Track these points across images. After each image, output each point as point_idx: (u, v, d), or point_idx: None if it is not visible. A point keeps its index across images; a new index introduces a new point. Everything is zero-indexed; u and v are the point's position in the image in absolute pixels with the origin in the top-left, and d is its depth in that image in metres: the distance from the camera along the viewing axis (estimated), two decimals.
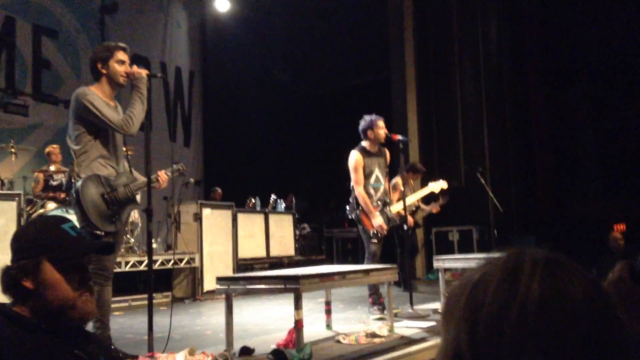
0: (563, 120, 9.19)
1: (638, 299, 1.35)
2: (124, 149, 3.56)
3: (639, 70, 8.23)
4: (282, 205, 9.06)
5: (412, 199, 5.97)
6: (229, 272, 7.07)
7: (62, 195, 5.98)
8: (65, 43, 8.70)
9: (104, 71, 3.38)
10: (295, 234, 8.78)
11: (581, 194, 8.84)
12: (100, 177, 3.30)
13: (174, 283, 7.04)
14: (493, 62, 9.49)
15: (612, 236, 6.73)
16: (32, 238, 1.36)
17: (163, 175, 3.57)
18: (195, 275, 6.89)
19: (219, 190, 9.15)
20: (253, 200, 8.62)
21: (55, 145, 6.60)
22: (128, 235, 6.32)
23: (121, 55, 3.40)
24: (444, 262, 5.57)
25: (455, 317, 0.64)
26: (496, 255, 0.69)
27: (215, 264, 7.06)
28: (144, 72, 3.42)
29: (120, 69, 3.38)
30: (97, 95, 3.33)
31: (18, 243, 1.37)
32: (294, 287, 3.19)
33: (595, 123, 8.97)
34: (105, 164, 3.34)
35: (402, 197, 5.52)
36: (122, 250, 5.97)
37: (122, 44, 3.47)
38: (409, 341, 3.77)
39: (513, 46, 9.63)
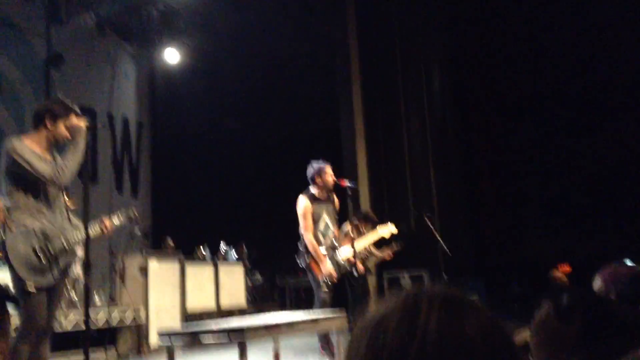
0: (508, 163, 9.48)
1: (564, 338, 1.38)
2: (66, 201, 3.47)
3: (583, 110, 8.58)
4: (233, 255, 8.92)
5: (362, 244, 5.99)
6: (176, 326, 6.85)
7: None
8: (8, 95, 8.52)
9: (49, 125, 3.31)
10: (246, 284, 8.63)
11: (526, 236, 9.06)
12: (32, 231, 3.20)
13: (117, 337, 6.74)
14: (437, 109, 9.81)
15: (554, 275, 6.88)
16: None
17: (107, 222, 3.49)
18: (140, 330, 6.65)
19: (170, 242, 8.90)
20: (202, 250, 8.46)
21: None
22: (71, 291, 6.08)
23: (75, 121, 3.35)
24: None
25: None
26: (394, 294, 0.69)
27: (162, 318, 6.83)
28: (82, 124, 3.37)
29: (66, 133, 3.33)
30: (28, 148, 3.25)
31: None
32: (239, 341, 3.12)
33: (539, 163, 9.28)
34: (40, 217, 3.24)
35: (352, 243, 5.54)
36: (63, 306, 5.72)
37: (78, 111, 3.43)
38: None
39: (456, 93, 9.99)
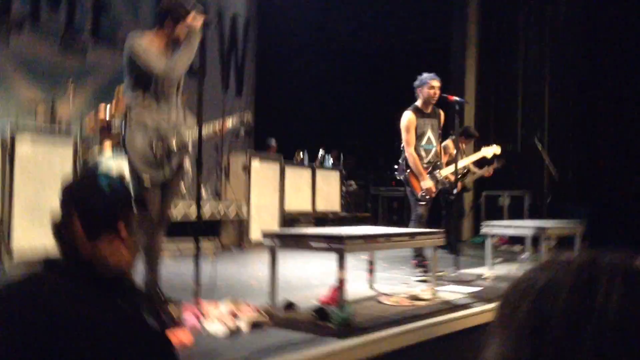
0: (627, 98, 8.69)
1: None
2: (181, 99, 3.56)
3: None
4: (329, 161, 9.03)
5: (463, 163, 5.84)
6: (274, 225, 7.16)
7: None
8: None
9: (168, 27, 3.36)
10: (341, 190, 8.77)
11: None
12: (149, 127, 3.33)
13: (221, 230, 7.17)
14: (560, 26, 9.03)
15: None
16: (69, 192, 1.42)
17: (222, 125, 3.58)
18: (241, 225, 7.01)
19: (274, 144, 9.08)
20: (301, 154, 8.62)
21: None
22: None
23: (192, 20, 3.36)
24: (492, 227, 5.47)
25: (514, 328, 0.59)
26: (561, 257, 0.63)
27: (262, 215, 7.14)
28: (199, 23, 3.38)
29: (186, 34, 3.36)
30: (145, 45, 3.31)
31: (60, 195, 1.44)
32: (338, 248, 3.19)
33: None
34: (156, 114, 3.36)
35: (453, 160, 5.40)
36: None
37: (199, 6, 3.43)
38: (452, 306, 3.73)
39: (583, 20, 9.12)
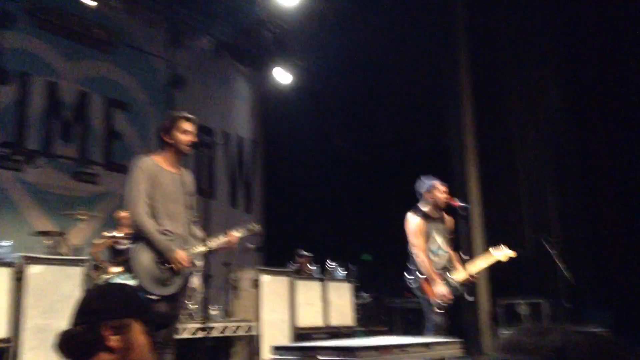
0: (635, 180, 8.70)
1: None
2: (190, 214, 3.61)
3: None
4: (340, 272, 8.90)
5: (476, 268, 5.75)
6: (286, 342, 6.92)
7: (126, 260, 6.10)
8: (135, 115, 9.17)
9: (168, 140, 3.50)
10: (354, 303, 8.57)
11: None
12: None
13: (231, 351, 6.94)
14: (554, 124, 9.27)
15: None
16: (122, 299, 1.35)
17: (231, 235, 3.60)
18: (252, 343, 6.79)
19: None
20: (310, 267, 8.52)
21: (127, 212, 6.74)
22: (188, 302, 6.34)
23: (185, 125, 3.51)
24: None
25: None
26: (526, 338, 0.61)
27: (273, 333, 6.94)
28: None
29: (185, 138, 3.49)
30: (144, 173, 3.41)
31: (105, 304, 1.34)
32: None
33: None
34: (162, 229, 3.40)
35: (464, 265, 5.32)
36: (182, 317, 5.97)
37: (186, 114, 3.59)
38: None
39: (575, 106, 9.39)
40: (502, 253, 5.86)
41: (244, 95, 11.28)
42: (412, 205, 5.30)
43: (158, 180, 3.41)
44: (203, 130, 9.15)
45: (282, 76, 10.60)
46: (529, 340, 0.61)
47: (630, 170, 8.73)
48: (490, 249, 5.89)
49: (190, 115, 3.57)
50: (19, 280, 4.95)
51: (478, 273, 6.30)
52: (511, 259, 5.96)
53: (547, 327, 0.61)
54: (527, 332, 0.62)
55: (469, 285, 5.20)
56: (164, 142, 3.51)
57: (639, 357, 0.57)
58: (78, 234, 6.64)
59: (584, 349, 0.58)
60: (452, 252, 5.30)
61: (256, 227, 3.90)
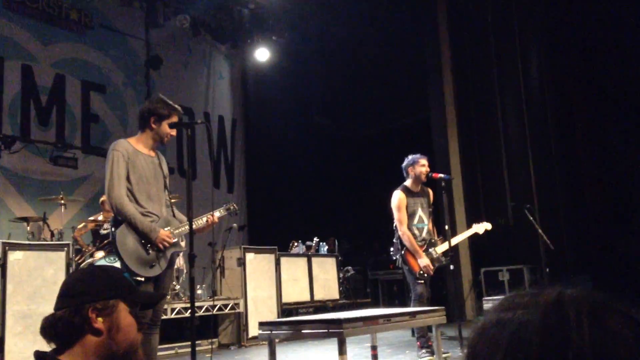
0: (611, 151, 8.86)
1: None
2: (167, 196, 3.61)
3: None
4: (324, 249, 8.98)
5: (457, 240, 5.84)
6: (273, 317, 7.00)
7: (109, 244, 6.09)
8: (112, 97, 9.04)
9: (153, 126, 3.45)
10: (339, 277, 8.67)
11: (636, 228, 8.43)
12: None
13: (219, 329, 7.00)
14: (535, 96, 9.34)
15: None
16: (106, 281, 1.35)
17: (211, 215, 3.60)
18: (240, 320, 6.85)
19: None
20: (296, 244, 8.58)
21: None
22: (174, 282, 6.35)
23: (176, 119, 3.48)
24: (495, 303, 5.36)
25: None
26: (525, 296, 0.62)
27: (260, 309, 7.01)
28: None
29: (170, 132, 3.47)
30: (123, 155, 3.38)
31: (89, 286, 1.34)
32: (337, 332, 3.11)
33: None
34: (144, 211, 3.39)
35: (447, 237, 5.40)
36: (168, 297, 5.99)
37: (181, 110, 3.56)
38: None
39: (555, 79, 9.46)
40: (482, 227, 5.95)
41: (223, 75, 11.17)
42: (395, 181, 5.39)
43: (136, 163, 3.39)
44: (184, 110, 9.08)
45: (260, 54, 10.51)
46: (525, 297, 0.63)
47: (609, 138, 8.87)
48: (473, 224, 5.99)
49: (181, 110, 3.55)
50: (1, 267, 4.92)
51: (458, 244, 6.41)
52: (492, 229, 6.06)
53: (542, 287, 0.63)
54: (522, 292, 0.64)
55: (451, 255, 5.29)
56: (148, 126, 3.46)
57: (633, 308, 0.59)
58: (59, 219, 6.59)
59: (581, 300, 0.59)
60: (432, 225, 5.38)
61: (235, 206, 3.90)
